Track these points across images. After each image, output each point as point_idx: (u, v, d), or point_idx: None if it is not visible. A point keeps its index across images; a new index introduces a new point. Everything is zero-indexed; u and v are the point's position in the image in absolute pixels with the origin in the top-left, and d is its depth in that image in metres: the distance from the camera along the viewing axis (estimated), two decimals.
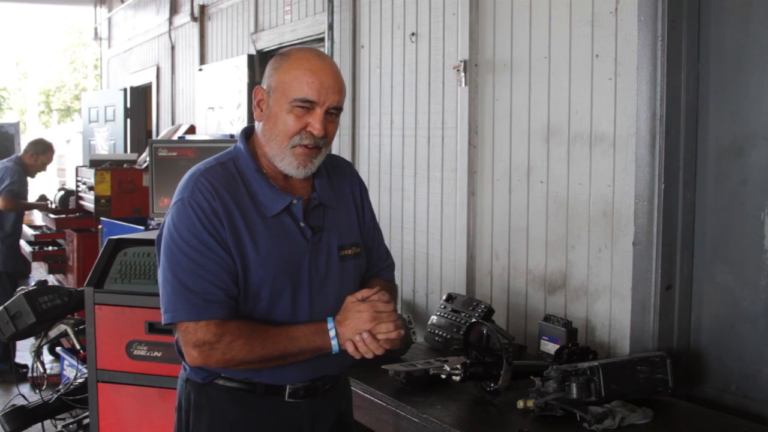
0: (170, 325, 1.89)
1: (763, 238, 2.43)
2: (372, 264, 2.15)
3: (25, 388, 4.77)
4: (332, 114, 1.90)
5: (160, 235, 1.92)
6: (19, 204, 6.68)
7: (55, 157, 7.33)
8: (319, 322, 1.87)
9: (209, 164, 1.92)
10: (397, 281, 3.88)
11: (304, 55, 1.91)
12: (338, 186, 2.06)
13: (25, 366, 5.86)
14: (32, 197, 7.34)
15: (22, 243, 7.08)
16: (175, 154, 3.78)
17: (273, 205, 1.90)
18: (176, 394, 2.04)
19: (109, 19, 9.99)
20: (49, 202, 7.54)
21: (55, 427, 3.81)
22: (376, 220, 2.18)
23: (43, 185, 10.39)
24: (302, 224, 1.93)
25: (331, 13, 4.43)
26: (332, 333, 1.85)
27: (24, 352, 6.26)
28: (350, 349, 1.85)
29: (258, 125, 1.95)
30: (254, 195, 1.90)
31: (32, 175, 7.00)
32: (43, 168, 7.03)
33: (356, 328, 1.83)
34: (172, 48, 7.46)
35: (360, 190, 2.14)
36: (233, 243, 1.84)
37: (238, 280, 1.85)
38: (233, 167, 1.92)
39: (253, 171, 1.92)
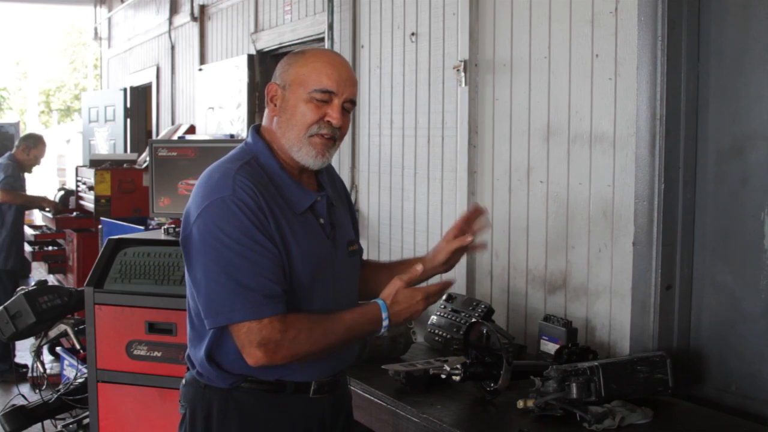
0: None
1: (763, 238, 2.43)
2: None
3: (25, 388, 4.77)
4: (346, 108, 1.94)
5: (187, 236, 1.88)
6: (17, 196, 6.65)
7: (55, 157, 7.32)
8: (371, 308, 1.91)
9: (237, 163, 1.90)
10: None
11: (320, 51, 1.98)
12: (333, 185, 2.10)
13: (25, 366, 5.86)
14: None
15: None
16: (175, 154, 3.77)
17: (300, 202, 1.93)
18: (184, 404, 1.99)
19: (109, 19, 9.99)
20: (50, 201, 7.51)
21: (55, 427, 3.81)
22: None
23: (43, 185, 10.38)
24: (322, 221, 1.97)
25: (331, 13, 4.43)
26: (386, 323, 1.89)
27: (24, 352, 6.26)
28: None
29: (272, 120, 1.96)
30: (282, 192, 1.91)
31: (28, 170, 6.94)
32: (36, 162, 6.96)
33: (410, 318, 1.92)
34: (172, 48, 7.46)
35: (345, 190, 2.21)
36: (279, 238, 1.85)
37: (286, 274, 1.86)
38: (257, 165, 1.92)
39: (277, 169, 1.93)
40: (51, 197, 7.65)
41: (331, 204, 2.02)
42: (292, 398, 1.95)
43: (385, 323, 1.89)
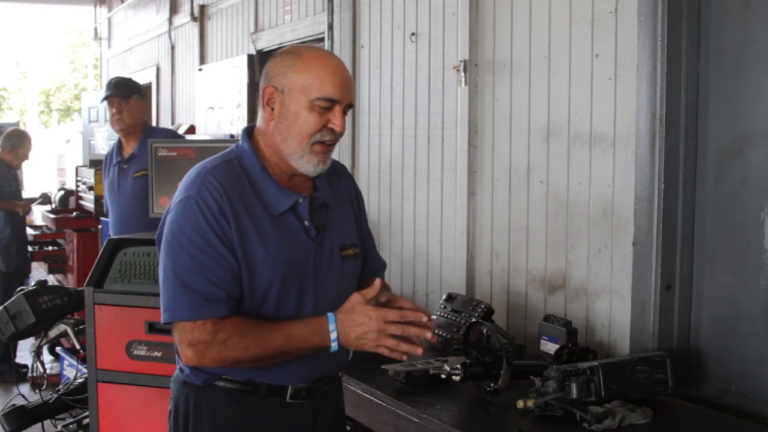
0: (168, 324, 1.88)
1: (763, 238, 2.43)
2: (369, 265, 2.17)
3: (25, 388, 4.77)
4: (344, 112, 1.92)
5: (161, 233, 1.89)
6: None
7: (55, 157, 7.26)
8: (319, 319, 1.85)
9: (215, 162, 1.91)
10: (397, 281, 3.91)
11: (319, 54, 1.93)
12: (336, 187, 2.07)
13: (25, 366, 5.85)
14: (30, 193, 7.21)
15: None
16: (175, 154, 3.77)
17: (279, 203, 1.90)
18: (170, 399, 2.00)
19: (109, 19, 10.00)
20: (31, 200, 7.33)
21: (55, 427, 3.81)
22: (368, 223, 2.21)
23: (43, 185, 10.38)
24: (306, 223, 1.93)
25: (331, 13, 4.43)
26: (333, 335, 1.83)
27: (24, 352, 6.25)
28: (385, 351, 1.84)
29: (268, 124, 1.92)
30: (260, 194, 1.89)
31: (17, 168, 6.86)
32: (24, 158, 6.82)
33: (360, 338, 1.82)
34: (172, 48, 7.46)
35: (356, 192, 2.17)
36: (239, 243, 1.83)
37: (241, 281, 1.84)
38: (238, 166, 1.91)
39: (258, 170, 1.91)
40: (27, 196, 7.40)
41: (321, 205, 1.98)
42: (266, 401, 1.92)
43: (333, 335, 1.82)
